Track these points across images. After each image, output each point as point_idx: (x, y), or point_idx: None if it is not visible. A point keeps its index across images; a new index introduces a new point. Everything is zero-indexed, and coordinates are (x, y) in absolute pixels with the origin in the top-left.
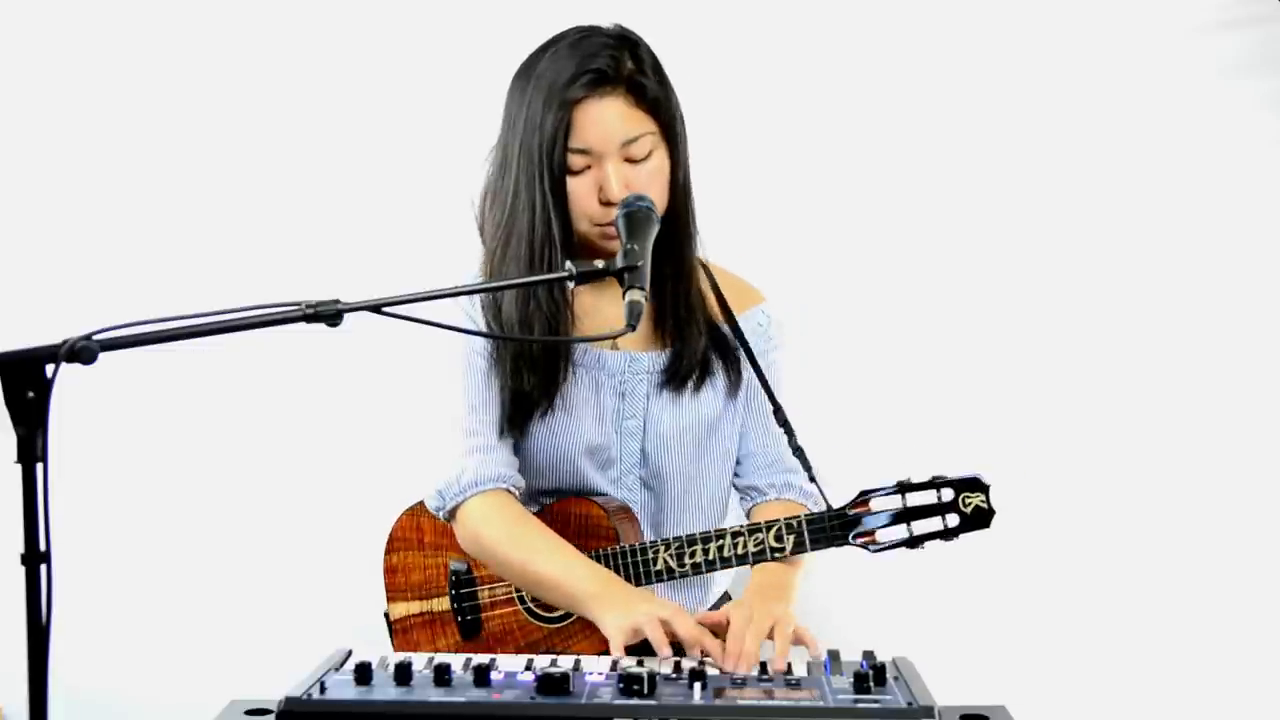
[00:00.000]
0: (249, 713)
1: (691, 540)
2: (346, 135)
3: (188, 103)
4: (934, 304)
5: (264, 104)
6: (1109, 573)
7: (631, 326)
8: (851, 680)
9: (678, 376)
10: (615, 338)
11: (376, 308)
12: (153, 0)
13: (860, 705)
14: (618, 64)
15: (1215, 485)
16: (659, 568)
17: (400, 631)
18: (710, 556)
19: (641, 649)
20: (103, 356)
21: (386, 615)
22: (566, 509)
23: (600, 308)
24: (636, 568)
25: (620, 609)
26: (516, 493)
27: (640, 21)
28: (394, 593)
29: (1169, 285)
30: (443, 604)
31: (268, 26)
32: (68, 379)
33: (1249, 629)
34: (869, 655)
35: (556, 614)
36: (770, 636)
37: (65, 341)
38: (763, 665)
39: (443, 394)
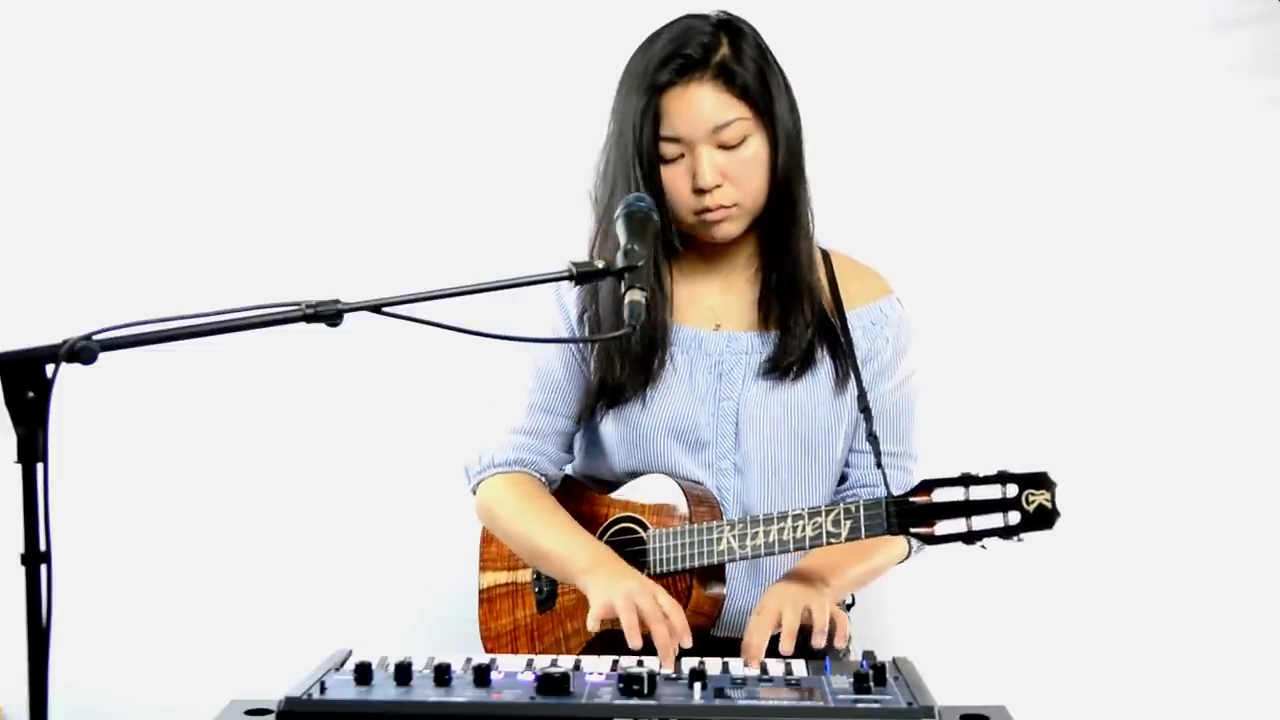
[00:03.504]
0: (249, 713)
1: (755, 522)
2: (347, 136)
3: (188, 103)
4: (941, 300)
5: (264, 104)
6: (1109, 573)
7: (632, 327)
8: (851, 680)
9: (776, 363)
10: (617, 338)
11: (376, 308)
12: (153, 0)
13: (860, 705)
14: (708, 50)
15: (1215, 485)
16: (722, 548)
17: (485, 601)
18: (770, 539)
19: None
20: (103, 356)
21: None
22: (639, 486)
23: (700, 295)
24: (701, 546)
25: (604, 585)
26: (540, 478)
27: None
28: (485, 562)
29: (1172, 286)
30: (525, 575)
31: (267, 27)
32: (68, 379)
33: (1249, 629)
34: (869, 655)
35: None
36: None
37: (65, 341)
38: (763, 665)
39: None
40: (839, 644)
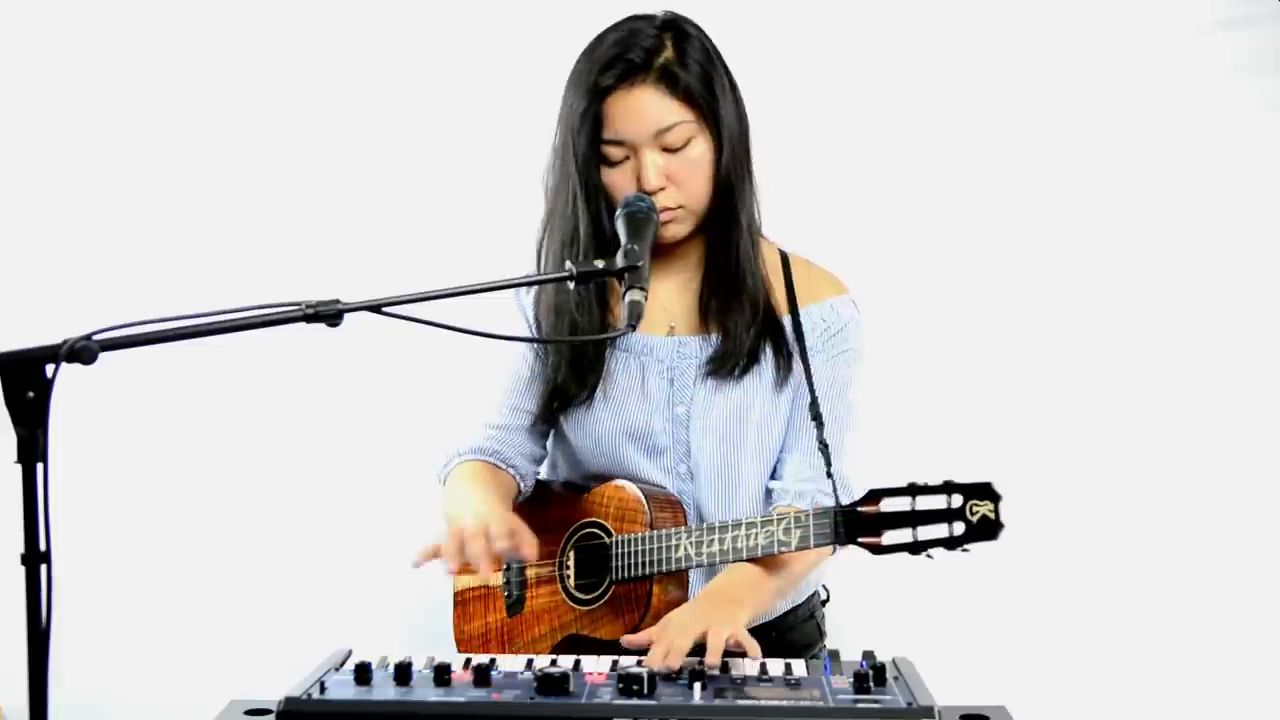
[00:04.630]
0: (249, 713)
1: (711, 529)
2: (347, 136)
3: (188, 103)
4: (936, 304)
5: (264, 105)
6: (1109, 573)
7: (631, 326)
8: (851, 680)
9: (719, 363)
10: (617, 337)
11: (376, 308)
12: (153, 0)
13: (860, 705)
14: (651, 54)
15: (1215, 486)
16: (680, 554)
17: (459, 604)
18: (725, 547)
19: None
20: (103, 356)
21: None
22: (604, 492)
23: (655, 297)
24: (661, 553)
25: (455, 522)
26: (505, 468)
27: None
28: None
29: (1170, 287)
30: (497, 579)
31: (268, 27)
32: (68, 379)
33: (1249, 630)
34: (869, 655)
35: (590, 596)
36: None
37: (65, 341)
38: (763, 665)
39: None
40: (758, 658)
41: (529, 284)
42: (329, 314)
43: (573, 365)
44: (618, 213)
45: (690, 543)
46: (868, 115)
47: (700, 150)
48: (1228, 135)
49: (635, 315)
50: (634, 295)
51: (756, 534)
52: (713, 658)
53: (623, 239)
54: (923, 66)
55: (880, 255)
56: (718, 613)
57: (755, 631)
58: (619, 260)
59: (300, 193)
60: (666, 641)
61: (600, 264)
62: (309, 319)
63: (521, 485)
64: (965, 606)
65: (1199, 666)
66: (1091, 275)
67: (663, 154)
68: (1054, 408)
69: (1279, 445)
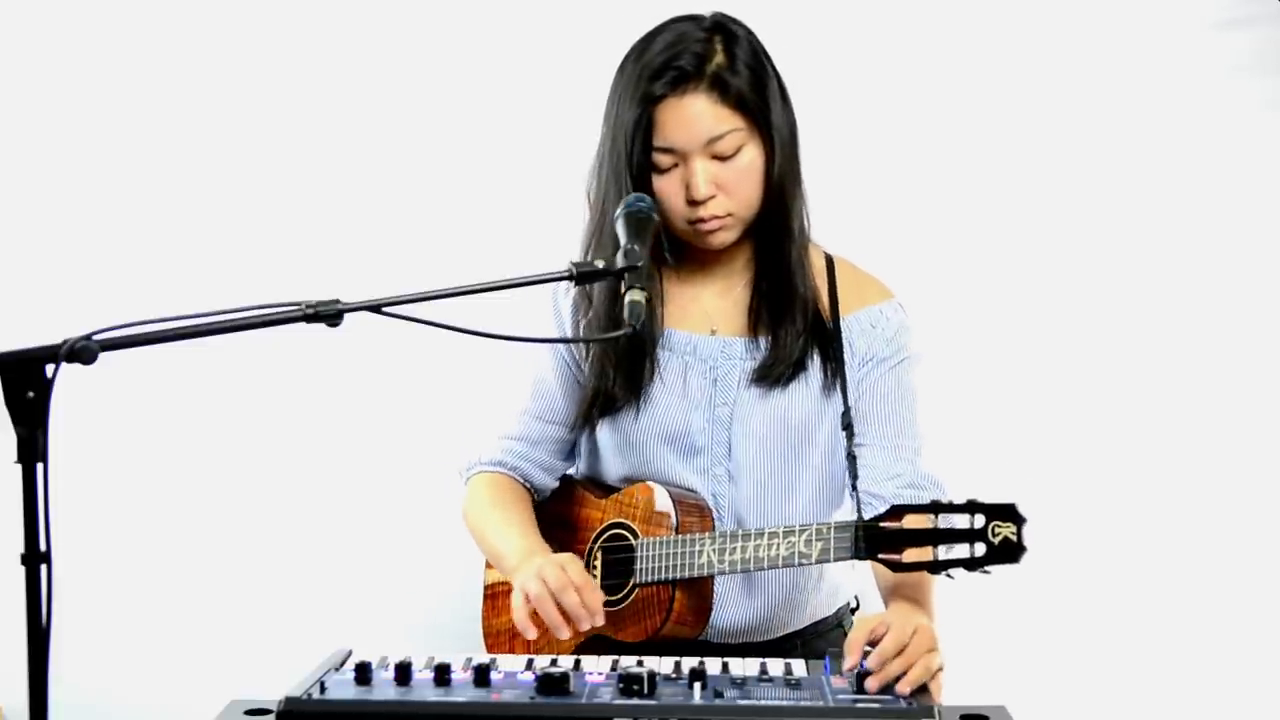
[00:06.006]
0: (249, 713)
1: (734, 537)
2: (347, 136)
3: (188, 103)
4: (937, 307)
5: (264, 104)
6: (1109, 573)
7: (632, 327)
8: (851, 680)
9: (767, 371)
10: (617, 338)
11: (376, 308)
12: (153, 1)
13: (860, 705)
14: (702, 60)
15: (1215, 486)
16: (703, 560)
17: (489, 597)
18: (747, 555)
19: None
20: (103, 356)
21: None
22: (633, 493)
23: (697, 299)
24: (684, 558)
25: (524, 581)
26: (524, 484)
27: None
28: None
29: (1171, 287)
30: None
31: (268, 26)
32: (68, 379)
33: (1249, 630)
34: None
35: (615, 598)
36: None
37: (65, 341)
38: (762, 665)
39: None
40: (935, 698)
41: (529, 284)
42: (329, 314)
43: (625, 371)
44: (617, 212)
45: (714, 550)
46: (866, 114)
47: (751, 157)
48: (1228, 135)
49: (635, 315)
50: (634, 295)
51: (779, 544)
52: (905, 686)
53: (622, 239)
54: (922, 66)
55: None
56: (932, 639)
57: (783, 640)
58: (619, 260)
59: (300, 193)
60: (912, 658)
61: (600, 264)
62: (309, 319)
63: (535, 499)
64: (965, 606)
65: (1199, 666)
66: (1090, 275)
67: (713, 162)
68: (1053, 408)
69: (1276, 445)
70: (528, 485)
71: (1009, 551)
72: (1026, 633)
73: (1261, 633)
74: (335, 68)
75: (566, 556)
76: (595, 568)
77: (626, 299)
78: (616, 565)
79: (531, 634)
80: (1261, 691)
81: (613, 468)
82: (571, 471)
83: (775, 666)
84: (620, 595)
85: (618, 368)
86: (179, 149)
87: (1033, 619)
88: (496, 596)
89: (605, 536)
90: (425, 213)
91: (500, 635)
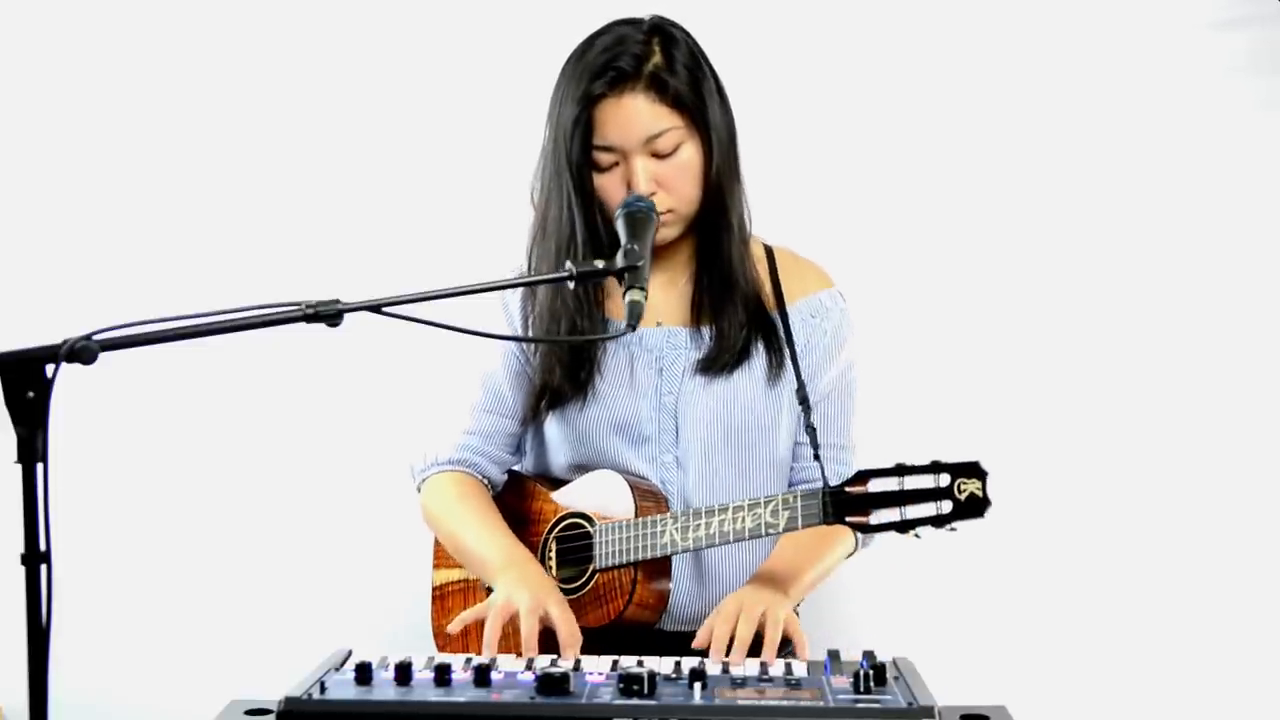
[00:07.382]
0: (249, 713)
1: (697, 514)
2: (347, 136)
3: (188, 103)
4: (938, 297)
5: (264, 104)
6: (1109, 572)
7: (631, 326)
8: (851, 680)
9: (711, 358)
10: (617, 338)
11: (376, 308)
12: (153, 0)
13: (860, 705)
14: (640, 61)
15: (1215, 485)
16: (665, 540)
17: (438, 598)
18: (712, 531)
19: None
20: (103, 356)
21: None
22: (587, 482)
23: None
24: (645, 540)
25: (509, 589)
26: (482, 480)
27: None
28: (439, 559)
29: (1169, 285)
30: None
31: (268, 26)
32: (68, 379)
33: (1249, 629)
34: (869, 655)
35: (572, 587)
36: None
37: (65, 341)
38: (762, 665)
39: (461, 379)
40: (800, 657)
41: (530, 284)
42: (329, 314)
43: (567, 366)
44: (617, 212)
45: (676, 528)
46: (866, 112)
47: (689, 155)
48: (1225, 135)
49: (635, 315)
50: (634, 295)
51: (744, 517)
52: (768, 653)
53: (623, 239)
54: (920, 66)
55: (876, 246)
56: (768, 599)
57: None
58: (619, 260)
59: (300, 193)
60: (728, 628)
61: (600, 264)
62: (309, 319)
63: (491, 494)
64: (965, 606)
65: (1199, 666)
66: (1089, 274)
67: (653, 159)
68: (1054, 408)
69: (1277, 444)
70: (485, 482)
71: (975, 506)
72: (1026, 633)
73: (1261, 632)
74: (335, 69)
75: (549, 598)
76: (550, 559)
77: (626, 299)
78: (572, 553)
79: (493, 648)
80: (1261, 691)
81: (563, 460)
82: (518, 467)
83: (775, 667)
84: (580, 582)
85: (565, 361)
86: (179, 149)
87: (1033, 619)
88: (446, 597)
89: (561, 527)
90: (425, 213)
91: (453, 636)
